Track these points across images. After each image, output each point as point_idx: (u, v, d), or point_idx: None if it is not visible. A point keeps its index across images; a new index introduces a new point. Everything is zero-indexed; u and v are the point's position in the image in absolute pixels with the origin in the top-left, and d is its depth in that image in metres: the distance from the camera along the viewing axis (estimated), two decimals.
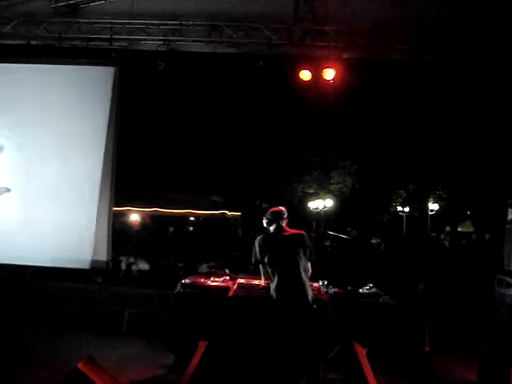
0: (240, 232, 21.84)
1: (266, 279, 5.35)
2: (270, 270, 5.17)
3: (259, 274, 5.48)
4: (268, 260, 5.19)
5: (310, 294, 5.09)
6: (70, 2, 8.78)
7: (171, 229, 21.96)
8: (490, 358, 5.63)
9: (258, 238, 5.34)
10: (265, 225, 5.47)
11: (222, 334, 5.63)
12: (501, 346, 5.57)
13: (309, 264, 5.24)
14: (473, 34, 8.25)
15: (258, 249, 5.27)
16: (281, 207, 5.48)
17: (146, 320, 8.08)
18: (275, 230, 5.34)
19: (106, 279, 8.80)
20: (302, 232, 5.36)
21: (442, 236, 26.78)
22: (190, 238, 19.28)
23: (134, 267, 10.10)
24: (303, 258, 5.16)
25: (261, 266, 5.31)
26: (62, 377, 4.59)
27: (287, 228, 5.39)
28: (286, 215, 5.39)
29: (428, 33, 8.34)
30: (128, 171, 15.01)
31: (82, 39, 8.95)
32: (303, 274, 5.10)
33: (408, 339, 6.73)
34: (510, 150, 16.35)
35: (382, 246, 20.28)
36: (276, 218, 5.37)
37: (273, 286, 5.13)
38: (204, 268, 9.16)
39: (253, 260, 5.37)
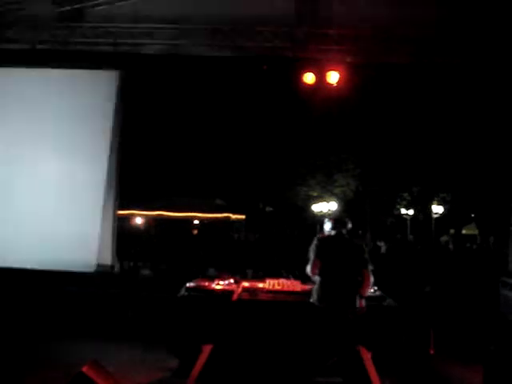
0: (243, 235, 21.49)
1: (311, 271, 5.47)
2: (320, 268, 5.39)
3: None
4: (322, 259, 5.41)
5: (355, 302, 5.30)
6: (75, 6, 8.80)
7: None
8: (494, 362, 5.60)
9: (316, 238, 5.61)
10: (327, 229, 5.71)
11: (226, 338, 5.64)
12: (506, 350, 5.54)
13: (369, 274, 5.40)
14: (475, 37, 8.23)
15: (314, 247, 5.49)
16: (346, 218, 5.83)
17: (150, 323, 8.07)
18: (336, 235, 5.61)
19: (110, 283, 8.79)
20: (362, 244, 5.67)
21: (446, 238, 26.66)
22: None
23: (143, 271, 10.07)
24: (355, 266, 5.39)
25: (314, 259, 5.46)
26: (66, 380, 4.59)
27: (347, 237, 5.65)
28: (349, 226, 5.66)
29: (431, 35, 8.33)
30: (132, 175, 15.05)
31: (87, 43, 8.97)
32: (350, 281, 5.35)
33: (412, 342, 6.71)
34: None
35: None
36: (340, 225, 5.65)
37: (317, 283, 5.41)
38: (211, 271, 9.14)
39: (311, 256, 5.52)
